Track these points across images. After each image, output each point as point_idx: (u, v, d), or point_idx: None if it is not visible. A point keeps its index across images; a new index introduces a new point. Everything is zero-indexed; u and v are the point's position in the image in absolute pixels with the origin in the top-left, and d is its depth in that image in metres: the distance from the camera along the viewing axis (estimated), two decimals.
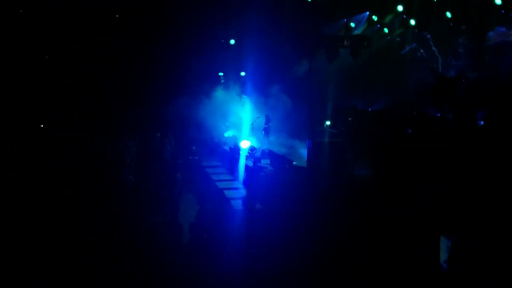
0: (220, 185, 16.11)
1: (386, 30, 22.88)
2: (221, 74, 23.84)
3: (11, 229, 11.01)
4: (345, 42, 20.88)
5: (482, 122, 15.09)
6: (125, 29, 22.15)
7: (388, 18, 22.29)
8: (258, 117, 20.59)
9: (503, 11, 18.18)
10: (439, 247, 9.45)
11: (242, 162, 17.65)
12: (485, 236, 9.30)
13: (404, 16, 21.75)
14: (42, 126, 20.74)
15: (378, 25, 22.76)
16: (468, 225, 9.88)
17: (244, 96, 22.22)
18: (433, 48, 20.51)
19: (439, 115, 17.73)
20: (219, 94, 22.19)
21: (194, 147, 19.59)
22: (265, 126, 20.27)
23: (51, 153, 17.16)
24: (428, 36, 20.88)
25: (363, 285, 8.97)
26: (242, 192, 15.28)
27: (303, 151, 17.20)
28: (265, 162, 17.95)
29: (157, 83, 22.43)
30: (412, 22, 21.40)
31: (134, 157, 17.08)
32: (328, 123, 20.64)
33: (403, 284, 8.85)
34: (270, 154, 18.17)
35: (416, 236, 9.94)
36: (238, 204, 13.90)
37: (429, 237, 9.70)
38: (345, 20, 22.37)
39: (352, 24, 22.56)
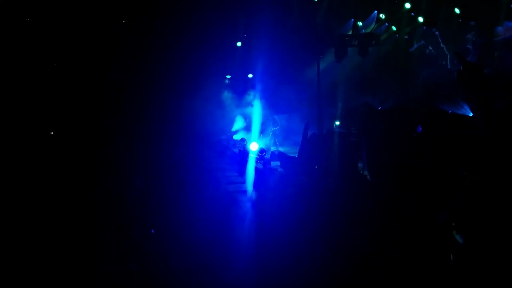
0: (230, 188, 16.08)
1: (394, 28, 22.74)
2: (228, 76, 23.79)
3: None
4: (353, 41, 20.83)
5: None
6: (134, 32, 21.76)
7: (395, 16, 22.18)
8: (266, 119, 20.62)
9: (511, 6, 18.06)
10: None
11: (251, 164, 17.60)
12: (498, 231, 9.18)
13: (412, 13, 21.61)
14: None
15: (386, 24, 22.62)
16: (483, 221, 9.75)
17: (252, 99, 22.15)
18: (442, 45, 20.36)
19: (450, 111, 17.56)
20: (227, 97, 22.15)
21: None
22: (273, 128, 20.32)
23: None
24: (437, 33, 20.72)
25: (376, 282, 8.93)
26: (252, 194, 15.25)
27: None
28: (275, 164, 17.91)
29: (169, 89, 22.11)
30: (420, 19, 21.26)
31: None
32: (337, 123, 20.54)
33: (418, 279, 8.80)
34: (280, 155, 18.12)
35: (429, 232, 9.86)
36: (247, 207, 13.88)
37: (443, 233, 9.62)
38: (353, 19, 22.29)
39: (360, 23, 22.45)
